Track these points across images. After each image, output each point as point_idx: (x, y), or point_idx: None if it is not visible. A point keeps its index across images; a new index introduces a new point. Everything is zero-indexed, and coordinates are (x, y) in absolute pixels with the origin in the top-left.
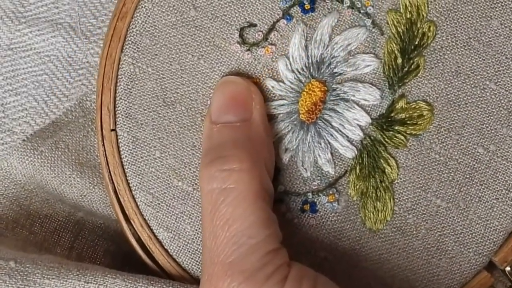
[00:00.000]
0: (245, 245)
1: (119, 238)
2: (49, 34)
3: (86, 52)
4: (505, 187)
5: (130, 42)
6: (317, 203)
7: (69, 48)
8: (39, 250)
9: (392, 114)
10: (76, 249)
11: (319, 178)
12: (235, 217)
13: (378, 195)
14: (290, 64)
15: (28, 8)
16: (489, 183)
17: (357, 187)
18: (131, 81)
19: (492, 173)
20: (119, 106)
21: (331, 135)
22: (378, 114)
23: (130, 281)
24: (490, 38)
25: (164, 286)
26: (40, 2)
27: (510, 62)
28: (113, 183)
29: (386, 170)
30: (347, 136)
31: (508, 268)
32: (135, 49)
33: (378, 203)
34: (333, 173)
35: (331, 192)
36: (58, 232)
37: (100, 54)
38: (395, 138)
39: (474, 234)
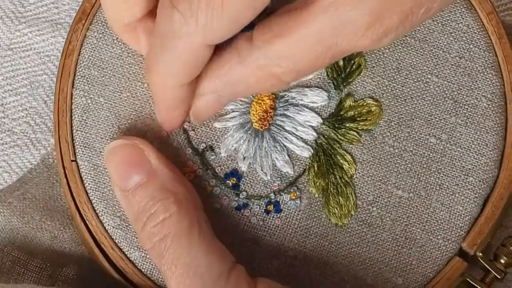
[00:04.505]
0: (196, 276)
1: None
2: (49, 34)
3: None
4: (463, 173)
5: (80, 76)
6: (280, 202)
7: None
8: None
9: (341, 113)
10: None
11: (279, 179)
12: (177, 256)
13: (339, 190)
14: None
15: (28, 8)
16: (446, 171)
17: (317, 184)
18: (85, 113)
19: (448, 160)
20: (76, 138)
21: (286, 138)
22: (328, 113)
23: None
24: (425, 34)
25: None
26: (40, 2)
27: (447, 55)
28: (79, 211)
29: (344, 166)
30: (301, 138)
31: (480, 254)
32: (85, 82)
33: (340, 198)
34: (292, 173)
35: (292, 190)
36: None
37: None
38: (347, 135)
39: (440, 221)
